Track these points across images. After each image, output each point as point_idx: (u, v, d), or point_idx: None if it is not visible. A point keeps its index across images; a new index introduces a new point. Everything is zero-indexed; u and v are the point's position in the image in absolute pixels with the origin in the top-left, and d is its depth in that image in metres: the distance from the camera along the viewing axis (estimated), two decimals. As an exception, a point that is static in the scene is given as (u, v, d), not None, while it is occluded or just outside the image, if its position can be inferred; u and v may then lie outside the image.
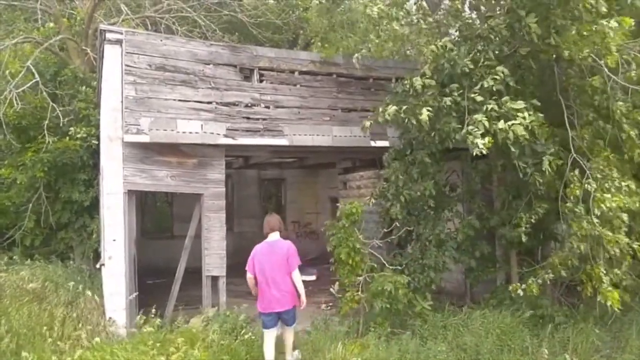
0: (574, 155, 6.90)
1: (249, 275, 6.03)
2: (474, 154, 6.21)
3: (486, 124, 6.17)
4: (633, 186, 6.63)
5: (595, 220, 6.41)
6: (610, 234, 6.36)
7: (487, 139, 6.07)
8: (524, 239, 7.07)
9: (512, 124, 6.10)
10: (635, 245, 6.41)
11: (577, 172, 6.76)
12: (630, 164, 7.25)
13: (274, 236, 6.13)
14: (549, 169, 6.46)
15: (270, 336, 5.93)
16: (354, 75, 8.71)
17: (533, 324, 7.20)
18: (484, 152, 6.10)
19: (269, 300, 5.91)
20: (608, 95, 6.90)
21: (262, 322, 6.04)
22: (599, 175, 6.65)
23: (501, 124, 6.14)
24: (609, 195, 6.38)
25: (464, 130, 6.35)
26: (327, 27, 8.96)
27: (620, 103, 6.85)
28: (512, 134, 6.09)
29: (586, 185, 6.57)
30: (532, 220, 7.07)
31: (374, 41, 7.74)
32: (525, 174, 6.73)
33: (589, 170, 6.75)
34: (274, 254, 5.98)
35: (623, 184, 6.57)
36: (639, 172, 7.47)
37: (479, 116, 6.28)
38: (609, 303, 6.25)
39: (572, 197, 6.66)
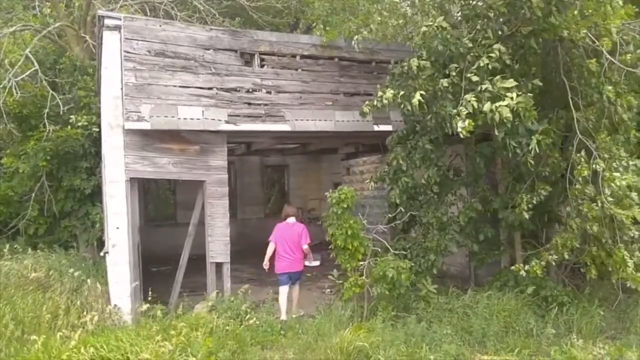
0: (580, 136, 6.82)
1: (271, 244, 7.63)
2: (460, 135, 6.14)
3: (475, 104, 6.08)
4: None
5: (609, 199, 6.34)
6: (621, 211, 6.27)
7: (467, 121, 5.98)
8: (526, 216, 7.02)
9: (499, 105, 6.00)
10: None
11: (583, 152, 6.68)
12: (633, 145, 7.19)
13: (291, 220, 7.80)
14: (537, 148, 6.39)
15: (284, 291, 7.66)
16: (356, 59, 8.61)
17: (537, 306, 7.21)
18: (462, 135, 6.03)
19: (284, 264, 7.58)
20: (604, 80, 6.80)
21: (279, 281, 7.71)
22: (606, 155, 6.58)
23: (487, 106, 6.04)
24: (618, 174, 6.30)
25: (454, 112, 6.28)
26: (328, 10, 8.83)
27: (609, 88, 6.73)
28: (497, 116, 6.00)
29: (594, 165, 6.50)
30: (534, 202, 7.02)
31: (376, 20, 7.60)
32: (516, 154, 6.66)
33: (596, 150, 6.67)
34: (292, 231, 7.69)
35: (630, 162, 6.51)
36: None
37: (468, 96, 6.20)
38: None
39: (580, 179, 6.58)
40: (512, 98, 6.01)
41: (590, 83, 7.04)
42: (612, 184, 6.28)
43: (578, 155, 6.68)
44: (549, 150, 6.98)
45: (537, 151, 6.38)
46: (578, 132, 6.84)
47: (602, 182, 6.40)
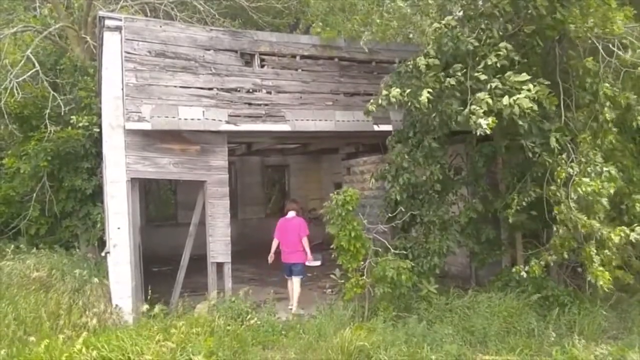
0: (561, 138, 6.83)
1: (275, 240, 8.25)
2: (477, 134, 6.14)
3: (490, 101, 6.08)
4: (614, 172, 6.56)
5: (573, 205, 6.37)
6: (584, 218, 6.30)
7: (490, 118, 5.99)
8: (510, 219, 7.03)
9: (517, 98, 6.01)
10: (605, 231, 6.30)
11: (565, 155, 6.70)
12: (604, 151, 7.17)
13: (291, 214, 8.31)
14: (557, 146, 6.39)
15: (289, 282, 8.31)
16: (356, 59, 8.61)
17: (539, 306, 7.20)
18: (488, 132, 6.03)
19: (285, 255, 8.19)
20: (600, 79, 6.80)
21: (284, 271, 8.40)
22: (583, 159, 6.59)
23: (505, 100, 6.05)
24: (587, 179, 6.31)
25: (466, 111, 6.28)
26: (326, 9, 8.83)
27: (607, 85, 6.73)
28: (517, 109, 6.00)
29: (569, 168, 6.52)
30: (524, 203, 7.01)
31: (376, 22, 7.63)
32: (535, 154, 6.65)
33: (575, 153, 6.69)
34: (290, 225, 8.19)
35: (605, 169, 6.50)
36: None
37: (482, 95, 6.20)
38: (599, 283, 6.21)
39: (557, 180, 6.61)
40: (529, 90, 6.03)
41: (584, 84, 7.05)
42: (579, 189, 6.28)
43: (559, 157, 6.71)
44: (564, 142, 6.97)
45: (559, 148, 6.38)
46: (564, 133, 6.86)
47: (571, 186, 6.43)
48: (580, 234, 6.56)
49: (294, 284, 8.13)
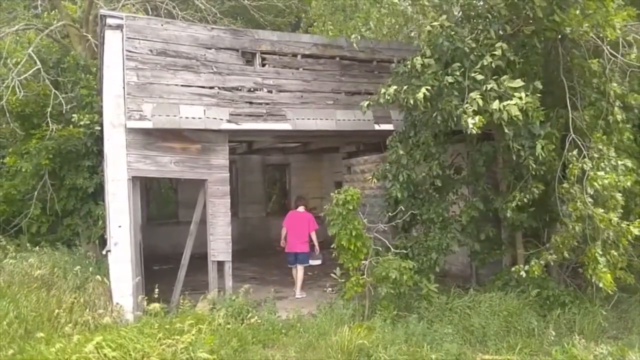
0: (572, 135, 6.84)
1: (284, 228, 9.13)
2: (468, 132, 6.16)
3: (480, 102, 6.10)
4: (629, 164, 6.56)
5: (589, 200, 6.35)
6: (602, 213, 6.31)
7: (477, 117, 6.00)
8: (509, 214, 7.07)
9: (507, 104, 6.02)
10: (624, 225, 6.32)
11: (575, 152, 6.70)
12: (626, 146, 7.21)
13: (301, 209, 9.18)
14: (542, 153, 6.40)
15: (294, 269, 9.09)
16: (357, 58, 8.61)
17: (539, 306, 7.21)
18: (474, 131, 6.03)
19: (292, 244, 8.99)
20: (606, 79, 6.79)
21: (287, 260, 9.18)
22: (595, 155, 6.59)
23: (495, 104, 6.06)
24: (602, 173, 6.31)
25: (459, 110, 6.29)
26: (331, 9, 8.83)
27: (615, 85, 6.72)
28: (506, 114, 6.01)
29: (582, 164, 6.51)
30: (525, 200, 7.02)
31: (374, 17, 7.66)
32: (520, 157, 6.66)
33: (587, 150, 6.69)
34: (300, 217, 9.03)
35: (619, 162, 6.51)
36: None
37: (474, 94, 6.21)
38: (601, 284, 6.26)
39: (571, 177, 6.60)
40: (520, 98, 6.04)
41: (590, 83, 7.03)
42: (595, 183, 6.29)
43: (570, 154, 6.70)
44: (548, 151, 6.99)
45: (544, 156, 6.40)
46: (571, 131, 6.86)
47: (586, 182, 6.42)
48: (587, 233, 6.56)
49: (298, 271, 8.90)
